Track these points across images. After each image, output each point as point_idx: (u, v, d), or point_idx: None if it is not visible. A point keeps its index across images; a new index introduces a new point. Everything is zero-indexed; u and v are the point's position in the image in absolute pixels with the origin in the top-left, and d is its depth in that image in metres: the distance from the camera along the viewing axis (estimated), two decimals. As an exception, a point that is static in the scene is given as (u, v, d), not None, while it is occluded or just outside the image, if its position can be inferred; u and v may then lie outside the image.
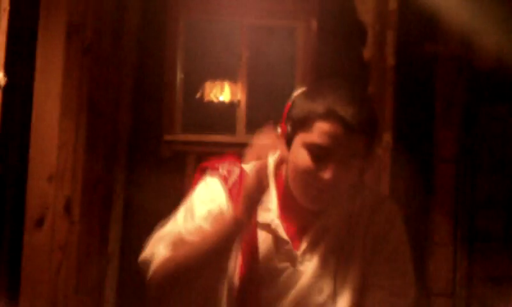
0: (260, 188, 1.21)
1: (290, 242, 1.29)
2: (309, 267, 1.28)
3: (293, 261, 1.28)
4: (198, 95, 4.18)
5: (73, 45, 2.31)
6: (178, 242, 1.26)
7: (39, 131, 2.20)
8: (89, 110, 2.51)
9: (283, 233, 1.29)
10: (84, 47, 2.40)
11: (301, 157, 1.22)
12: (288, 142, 1.25)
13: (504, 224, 2.75)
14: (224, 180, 1.32)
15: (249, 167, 1.34)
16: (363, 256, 1.30)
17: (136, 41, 3.20)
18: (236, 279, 1.28)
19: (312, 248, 1.29)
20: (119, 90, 2.98)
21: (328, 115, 1.18)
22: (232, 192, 1.30)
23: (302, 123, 1.22)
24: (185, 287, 1.24)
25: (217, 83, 4.14)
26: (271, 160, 1.33)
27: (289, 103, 1.29)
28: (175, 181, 3.18)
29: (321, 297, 1.28)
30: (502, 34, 2.67)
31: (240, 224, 1.20)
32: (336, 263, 1.28)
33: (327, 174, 1.19)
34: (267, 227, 1.29)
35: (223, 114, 4.14)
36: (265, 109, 3.62)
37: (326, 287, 1.28)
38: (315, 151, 1.20)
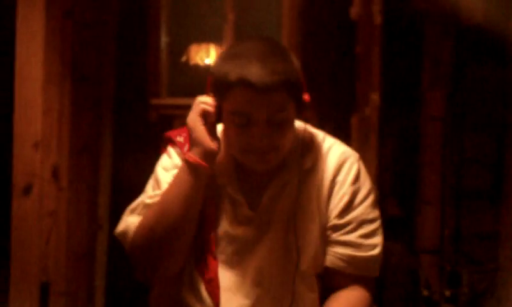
0: (204, 120, 1.24)
1: (245, 203, 1.29)
2: (268, 228, 1.28)
3: (251, 223, 1.28)
4: (184, 58, 4.13)
5: (53, 9, 2.26)
6: (148, 208, 1.30)
7: (22, 98, 2.17)
8: (73, 76, 2.48)
9: (238, 195, 1.29)
10: (64, 11, 2.35)
11: (228, 127, 1.24)
12: (219, 112, 1.25)
13: (491, 182, 2.78)
14: (181, 146, 1.33)
15: None
16: (321, 212, 1.29)
17: (118, 4, 3.14)
18: (197, 240, 1.28)
19: (269, 208, 1.29)
20: (102, 55, 2.94)
21: (238, 82, 1.17)
22: None
23: (220, 94, 1.23)
24: (166, 248, 1.25)
25: (203, 46, 4.09)
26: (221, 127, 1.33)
27: (209, 75, 1.29)
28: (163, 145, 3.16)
29: (282, 258, 1.28)
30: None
31: (197, 166, 1.23)
32: (295, 222, 1.28)
33: (256, 140, 1.20)
34: (224, 189, 1.30)
35: (210, 77, 4.12)
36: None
37: (287, 246, 1.28)
38: (238, 119, 1.20)
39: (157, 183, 1.34)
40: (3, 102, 2.33)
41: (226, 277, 1.28)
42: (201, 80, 4.45)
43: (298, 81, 1.22)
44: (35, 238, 2.21)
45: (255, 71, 1.16)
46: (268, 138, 1.20)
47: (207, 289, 1.27)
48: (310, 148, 1.32)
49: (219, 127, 1.33)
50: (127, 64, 3.34)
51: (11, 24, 2.17)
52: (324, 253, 1.29)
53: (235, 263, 1.28)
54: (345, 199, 1.29)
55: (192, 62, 4.12)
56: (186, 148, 1.31)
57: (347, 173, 1.30)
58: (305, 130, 1.32)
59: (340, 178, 1.29)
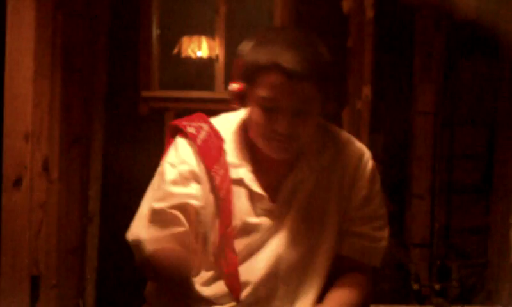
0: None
1: (265, 195, 1.28)
2: (286, 219, 1.29)
3: (269, 215, 1.29)
4: (175, 51, 4.12)
5: (44, 0, 2.24)
6: (156, 219, 1.26)
7: (13, 89, 2.15)
8: (63, 68, 2.46)
9: (257, 187, 1.28)
10: (55, 2, 2.34)
11: (255, 112, 1.22)
12: (244, 98, 1.25)
13: (481, 176, 2.80)
14: (193, 138, 1.30)
15: (218, 122, 1.35)
16: (338, 206, 1.31)
17: (109, -4, 3.12)
18: (214, 237, 1.27)
19: (287, 201, 1.29)
20: (93, 47, 2.92)
21: (271, 66, 1.17)
22: (202, 150, 1.29)
23: (250, 79, 1.22)
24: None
25: (195, 38, 4.08)
26: (238, 117, 1.33)
27: (237, 59, 1.28)
28: (154, 138, 3.16)
29: (300, 249, 1.29)
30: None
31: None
32: (312, 215, 1.29)
33: (281, 127, 1.19)
34: (241, 182, 1.29)
35: (201, 70, 4.10)
36: (243, 64, 3.59)
37: (304, 239, 1.29)
38: (266, 105, 1.20)
39: (163, 181, 1.28)
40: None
41: (244, 269, 1.27)
42: (193, 73, 4.44)
43: (328, 74, 1.23)
44: (25, 231, 2.20)
45: (288, 58, 1.16)
46: (292, 127, 1.20)
47: (226, 284, 1.27)
48: (329, 141, 1.33)
49: (237, 116, 1.33)
50: (118, 57, 3.32)
51: (1, 15, 2.15)
52: (337, 243, 1.32)
53: (253, 254, 1.28)
54: (363, 193, 1.32)
55: (183, 54, 4.11)
56: (200, 139, 1.29)
57: (365, 169, 1.33)
58: (325, 124, 1.33)
59: (359, 173, 1.32)
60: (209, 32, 3.94)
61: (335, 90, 1.27)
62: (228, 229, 1.26)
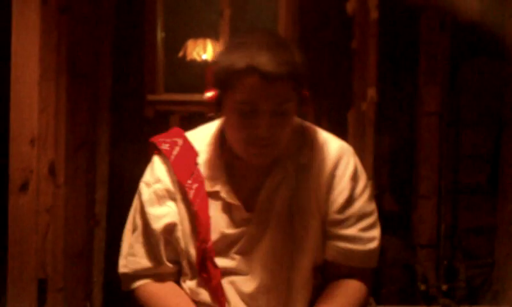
0: None
1: (240, 205, 1.27)
2: (267, 227, 1.27)
3: (248, 224, 1.27)
4: (180, 54, 4.12)
5: (49, 4, 2.25)
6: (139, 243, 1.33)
7: (19, 94, 2.16)
8: (69, 72, 2.47)
9: (233, 199, 1.27)
10: (60, 6, 2.35)
11: (232, 117, 1.21)
12: (219, 105, 1.24)
13: (487, 176, 2.79)
14: (167, 154, 1.31)
15: (193, 135, 1.35)
16: (320, 208, 1.28)
17: (114, 0, 3.13)
18: (193, 253, 1.27)
19: (265, 208, 1.27)
20: (99, 51, 2.93)
21: (245, 69, 1.16)
22: (175, 166, 1.29)
23: (224, 84, 1.20)
24: None
25: (200, 41, 4.08)
26: (213, 127, 1.33)
27: (210, 66, 1.28)
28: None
29: (283, 255, 1.27)
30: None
31: None
32: (293, 219, 1.27)
33: (260, 129, 1.18)
34: (217, 195, 1.28)
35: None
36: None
37: (287, 245, 1.27)
38: (243, 109, 1.18)
39: (140, 201, 1.33)
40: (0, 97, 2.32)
41: (228, 281, 1.27)
42: (198, 76, 4.45)
43: (303, 74, 1.22)
44: (32, 235, 2.20)
45: (263, 60, 1.15)
46: (271, 129, 1.18)
47: (211, 297, 1.27)
48: (305, 142, 1.31)
49: (212, 127, 1.33)
50: (124, 61, 3.33)
51: (6, 20, 2.16)
52: (323, 247, 1.29)
53: (236, 265, 1.28)
54: (345, 193, 1.28)
55: (188, 57, 4.11)
56: (174, 155, 1.29)
57: (346, 168, 1.29)
58: (301, 125, 1.32)
59: (338, 172, 1.28)
60: (214, 35, 3.94)
61: (308, 90, 1.26)
62: (208, 244, 1.26)
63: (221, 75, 1.21)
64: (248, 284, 1.27)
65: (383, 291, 2.78)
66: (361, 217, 1.28)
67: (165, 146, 1.32)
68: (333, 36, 3.20)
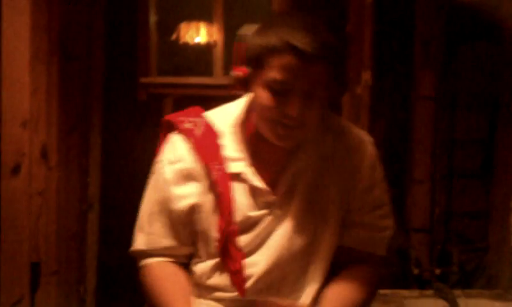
0: None
1: (265, 188, 1.27)
2: (288, 210, 1.27)
3: (271, 207, 1.27)
4: (174, 37, 4.09)
5: (40, -15, 2.22)
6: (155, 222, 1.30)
7: (10, 76, 2.14)
8: (60, 54, 2.44)
9: (256, 181, 1.26)
10: (52, -13, 2.31)
11: (263, 96, 1.18)
12: (248, 84, 1.22)
13: (482, 161, 2.79)
14: (190, 133, 1.28)
15: (214, 115, 1.32)
16: (339, 195, 1.29)
17: (107, -19, 3.09)
18: (215, 233, 1.26)
19: (288, 192, 1.27)
20: (91, 33, 2.90)
21: (282, 47, 1.14)
22: (198, 146, 1.27)
23: (258, 61, 1.18)
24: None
25: (193, 24, 4.05)
26: (237, 108, 1.31)
27: (239, 44, 1.26)
28: (152, 125, 3.14)
29: (302, 239, 1.27)
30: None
31: None
32: (314, 205, 1.28)
33: (291, 110, 1.16)
34: (240, 177, 1.27)
35: (200, 56, 4.08)
36: (242, 50, 3.57)
37: (307, 229, 1.27)
38: (276, 88, 1.16)
39: (163, 181, 1.28)
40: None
41: (248, 263, 1.26)
42: (191, 59, 4.42)
43: (340, 59, 1.20)
44: (25, 218, 2.19)
45: (301, 38, 1.12)
46: (302, 110, 1.16)
47: (232, 280, 1.26)
48: (327, 130, 1.30)
49: (235, 107, 1.31)
50: (116, 43, 3.30)
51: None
52: (340, 233, 1.30)
53: (257, 247, 1.27)
54: (365, 181, 1.29)
55: (182, 40, 4.08)
56: (196, 135, 1.26)
57: (366, 157, 1.30)
58: (324, 113, 1.29)
59: (359, 161, 1.29)
60: (207, 18, 3.92)
61: (343, 74, 1.25)
62: (231, 227, 1.25)
63: (255, 53, 1.18)
64: (265, 268, 1.26)
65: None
66: (378, 205, 1.31)
67: (188, 125, 1.29)
68: (328, 19, 3.18)
